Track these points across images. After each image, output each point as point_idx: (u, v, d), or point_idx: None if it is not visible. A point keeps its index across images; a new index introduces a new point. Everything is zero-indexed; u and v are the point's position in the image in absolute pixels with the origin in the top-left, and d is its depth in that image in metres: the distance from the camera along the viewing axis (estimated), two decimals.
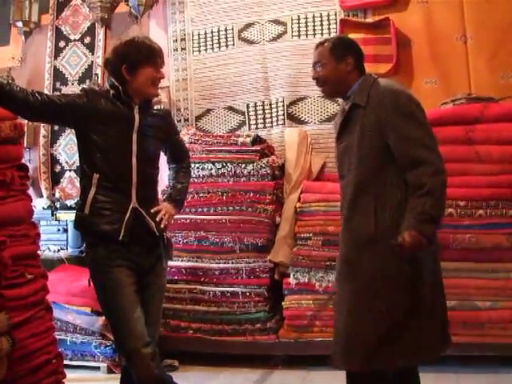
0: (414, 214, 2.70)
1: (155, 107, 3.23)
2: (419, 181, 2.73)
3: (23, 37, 6.49)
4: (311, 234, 4.67)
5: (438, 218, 2.76)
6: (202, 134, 5.39)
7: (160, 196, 3.59)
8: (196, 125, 5.71)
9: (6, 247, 3.15)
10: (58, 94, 3.17)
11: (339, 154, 3.05)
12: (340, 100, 3.25)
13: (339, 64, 2.95)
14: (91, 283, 3.10)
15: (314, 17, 5.45)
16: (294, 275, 4.65)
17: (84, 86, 6.03)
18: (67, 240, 5.46)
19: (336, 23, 5.33)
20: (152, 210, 3.07)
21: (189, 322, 4.85)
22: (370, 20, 5.26)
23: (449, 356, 3.24)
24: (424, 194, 2.70)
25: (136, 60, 3.04)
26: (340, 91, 3.04)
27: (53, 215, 5.61)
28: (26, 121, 4.20)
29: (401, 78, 5.02)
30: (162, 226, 3.07)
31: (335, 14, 5.37)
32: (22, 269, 3.33)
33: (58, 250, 5.37)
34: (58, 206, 5.77)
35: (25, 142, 5.93)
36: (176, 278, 4.83)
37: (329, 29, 5.40)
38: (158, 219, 3.06)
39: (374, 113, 2.84)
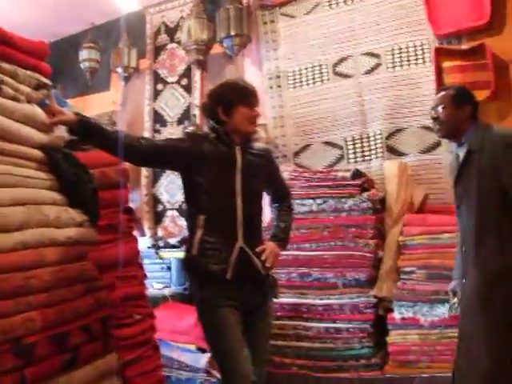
0: None
1: (256, 146, 3.27)
2: None
3: (123, 82, 6.74)
4: (415, 268, 4.56)
5: None
6: (301, 170, 5.40)
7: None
8: (294, 161, 5.74)
9: (115, 289, 3.25)
10: (162, 139, 3.26)
11: (457, 196, 3.30)
12: (453, 145, 3.53)
13: (458, 110, 3.26)
14: (198, 323, 3.14)
15: (407, 47, 5.37)
16: (398, 310, 4.55)
17: (183, 126, 6.18)
18: (171, 277, 5.57)
19: (430, 52, 5.25)
20: (257, 250, 3.08)
21: (293, 359, 4.81)
22: (465, 46, 5.13)
23: None
24: None
25: (231, 101, 3.11)
26: (454, 134, 3.32)
27: (156, 254, 5.74)
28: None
29: (500, 103, 4.89)
30: (268, 265, 3.08)
31: (429, 43, 5.27)
32: (130, 309, 3.41)
33: (162, 288, 5.47)
34: (160, 244, 5.90)
35: None
36: (279, 314, 4.80)
37: (423, 58, 5.31)
38: (263, 258, 3.07)
39: (489, 157, 3.09)
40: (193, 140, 3.12)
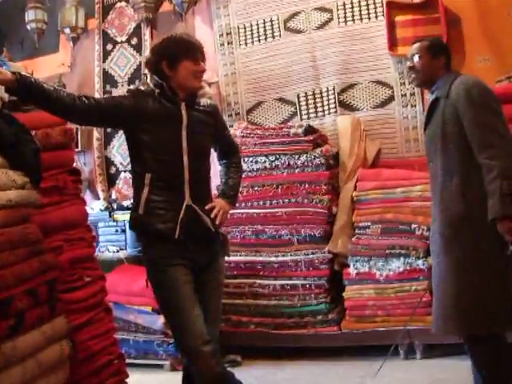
0: (495, 200, 2.94)
1: (202, 102, 3.20)
2: (489, 163, 2.99)
3: (71, 43, 6.58)
4: (369, 223, 4.61)
5: None
6: (253, 127, 5.38)
7: (214, 192, 3.55)
8: (247, 118, 5.69)
9: (63, 251, 3.19)
10: (105, 96, 3.18)
11: (426, 141, 3.43)
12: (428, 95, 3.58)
13: (433, 60, 3.33)
14: (148, 283, 3.09)
15: (359, 1, 5.33)
16: (353, 265, 4.58)
17: (133, 86, 6.07)
18: (126, 240, 5.53)
19: (382, 6, 5.21)
20: (206, 207, 3.03)
21: (250, 317, 4.84)
22: (417, 0, 5.11)
23: None
24: (496, 176, 2.95)
25: (175, 55, 3.03)
26: (428, 83, 3.39)
27: (110, 216, 5.68)
28: (77, 125, 4.23)
29: (453, 57, 4.87)
30: (217, 222, 3.04)
31: None
32: (79, 272, 3.35)
33: (117, 251, 5.43)
34: (114, 207, 5.83)
35: (79, 146, 6.03)
36: (235, 272, 4.81)
37: (375, 12, 5.29)
38: (212, 216, 3.03)
39: (453, 105, 3.16)
40: (136, 97, 3.04)
